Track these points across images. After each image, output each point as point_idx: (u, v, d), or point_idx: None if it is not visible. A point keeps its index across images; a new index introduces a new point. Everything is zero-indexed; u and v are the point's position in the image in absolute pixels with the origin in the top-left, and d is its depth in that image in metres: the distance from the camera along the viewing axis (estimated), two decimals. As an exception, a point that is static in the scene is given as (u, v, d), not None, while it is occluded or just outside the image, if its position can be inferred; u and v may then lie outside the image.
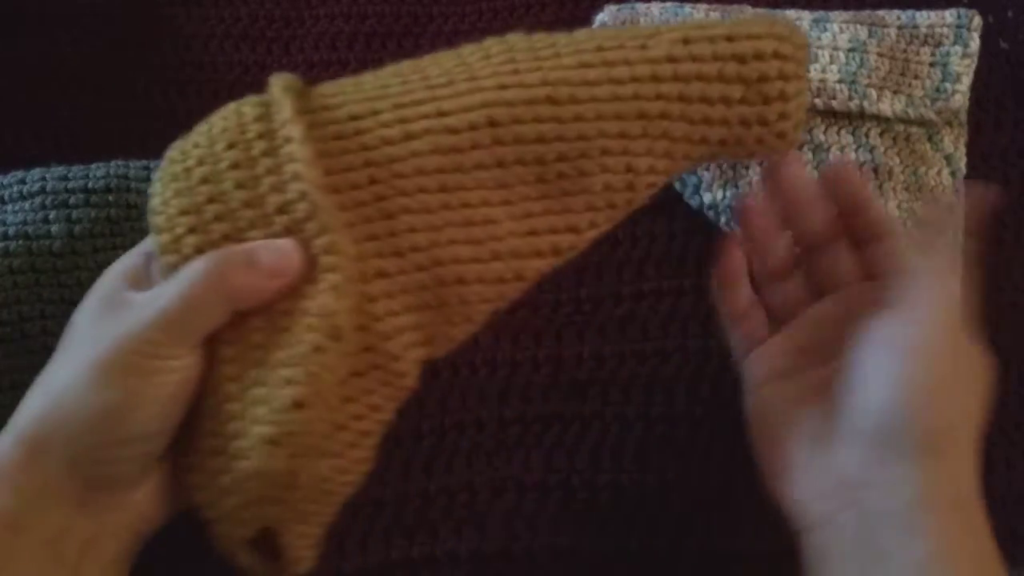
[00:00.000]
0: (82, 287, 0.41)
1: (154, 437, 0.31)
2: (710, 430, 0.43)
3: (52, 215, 0.41)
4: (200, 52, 0.53)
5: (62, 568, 0.31)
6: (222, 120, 0.34)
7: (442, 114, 0.33)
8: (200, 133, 0.35)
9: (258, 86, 0.51)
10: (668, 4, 0.47)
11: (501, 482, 0.43)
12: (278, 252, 0.31)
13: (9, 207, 0.42)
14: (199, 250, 0.32)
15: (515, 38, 0.36)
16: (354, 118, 0.34)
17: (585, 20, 0.50)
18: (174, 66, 0.52)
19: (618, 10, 0.47)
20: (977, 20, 0.46)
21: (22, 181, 0.43)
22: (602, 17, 0.47)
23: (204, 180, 0.33)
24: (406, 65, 0.36)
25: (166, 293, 0.31)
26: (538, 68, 0.34)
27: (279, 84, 0.35)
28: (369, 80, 0.36)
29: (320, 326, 0.31)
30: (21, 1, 0.53)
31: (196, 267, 0.31)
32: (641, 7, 0.47)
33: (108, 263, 0.41)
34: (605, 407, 0.44)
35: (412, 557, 0.42)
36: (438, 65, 0.35)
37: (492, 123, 0.33)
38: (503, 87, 0.33)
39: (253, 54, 0.53)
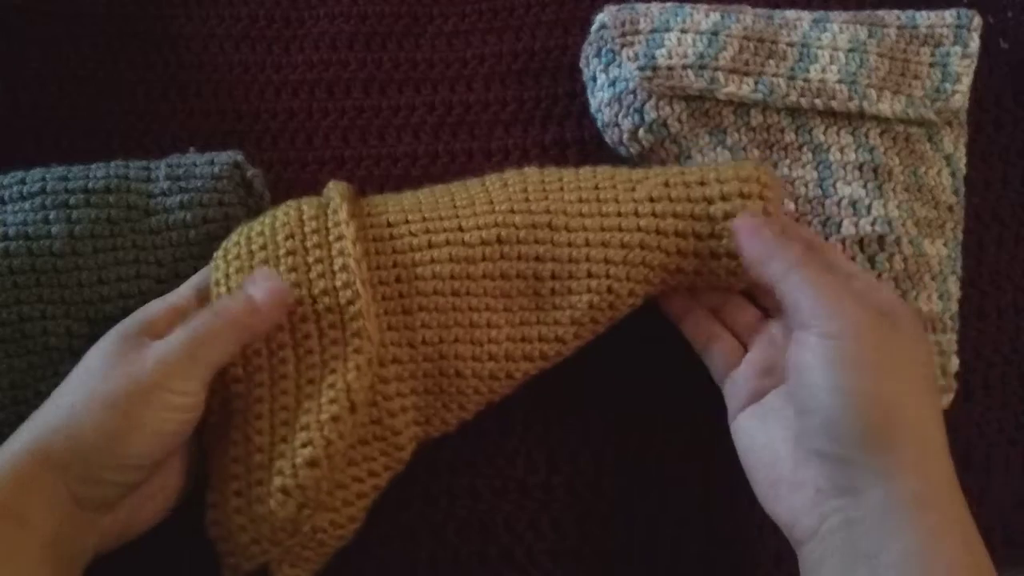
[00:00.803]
0: (82, 287, 0.41)
1: (145, 467, 0.35)
2: (711, 430, 0.43)
3: (52, 215, 0.41)
4: (200, 52, 0.53)
5: (56, 570, 0.33)
6: (283, 215, 0.40)
7: (461, 229, 0.39)
8: (263, 223, 0.40)
9: (258, 86, 0.51)
10: (668, 4, 0.47)
11: (503, 483, 0.43)
12: (267, 286, 0.37)
13: (9, 207, 0.42)
14: None
15: (530, 171, 0.41)
16: (390, 225, 0.40)
17: (585, 20, 0.50)
18: (174, 66, 0.52)
19: (618, 10, 0.47)
20: (977, 20, 0.46)
21: (22, 181, 0.43)
22: (602, 17, 0.47)
23: (263, 262, 0.39)
24: (440, 188, 0.42)
25: (179, 334, 0.36)
26: (544, 198, 0.39)
27: (336, 190, 0.41)
28: (408, 197, 0.42)
29: (340, 399, 0.36)
30: (21, 1, 0.53)
31: (203, 311, 0.36)
32: (641, 7, 0.47)
33: (108, 263, 0.41)
34: (607, 408, 0.44)
35: (415, 558, 0.42)
36: (466, 190, 0.41)
37: (500, 241, 0.39)
38: (512, 212, 0.39)
39: (253, 54, 0.53)
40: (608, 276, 0.39)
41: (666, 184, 0.39)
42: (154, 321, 0.37)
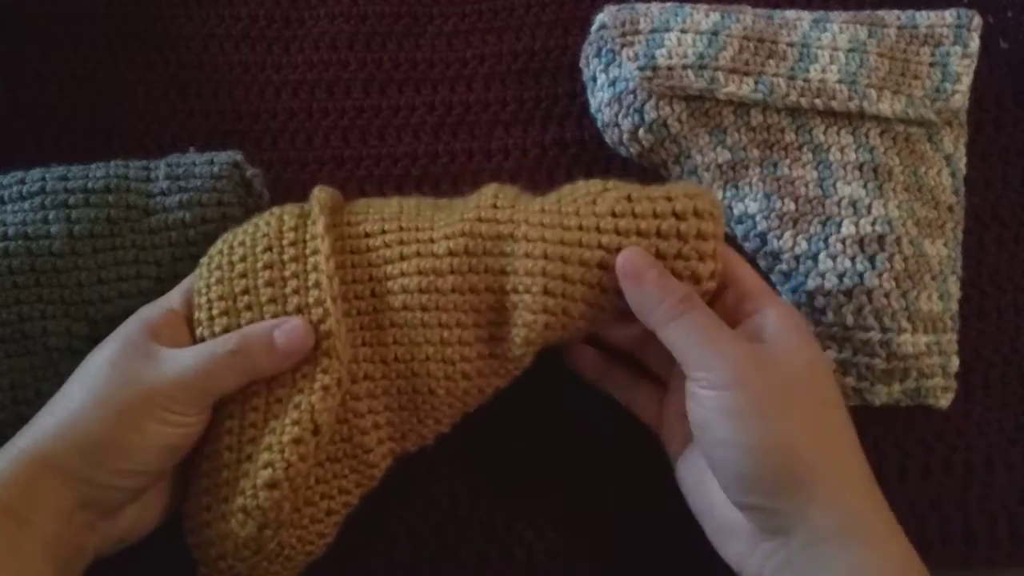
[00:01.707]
0: (81, 287, 0.41)
1: (147, 475, 0.35)
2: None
3: (52, 215, 0.41)
4: (200, 52, 0.53)
5: (57, 570, 0.33)
6: (265, 224, 0.39)
7: (431, 240, 0.38)
8: (245, 232, 0.40)
9: (258, 86, 0.51)
10: (668, 4, 0.47)
11: (503, 483, 0.43)
12: (292, 335, 0.36)
13: (9, 207, 0.42)
14: (226, 329, 0.38)
15: (509, 188, 0.40)
16: (367, 236, 0.39)
17: (585, 20, 0.50)
18: (174, 66, 0.52)
19: (618, 10, 0.47)
20: (977, 20, 0.46)
21: (22, 181, 0.43)
22: (602, 17, 0.47)
23: (242, 275, 0.38)
24: (428, 200, 0.41)
25: (194, 358, 0.36)
26: (511, 206, 0.38)
27: (317, 199, 0.39)
28: (393, 204, 0.41)
29: (303, 420, 0.36)
30: (21, 1, 0.53)
31: (223, 340, 0.36)
32: (641, 7, 0.47)
33: (108, 263, 0.41)
34: (607, 408, 0.44)
35: (416, 558, 0.42)
36: (450, 203, 0.40)
37: (468, 252, 0.37)
38: (480, 220, 0.37)
39: (253, 54, 0.53)
40: (564, 296, 0.37)
41: (629, 199, 0.37)
42: (155, 326, 0.37)
